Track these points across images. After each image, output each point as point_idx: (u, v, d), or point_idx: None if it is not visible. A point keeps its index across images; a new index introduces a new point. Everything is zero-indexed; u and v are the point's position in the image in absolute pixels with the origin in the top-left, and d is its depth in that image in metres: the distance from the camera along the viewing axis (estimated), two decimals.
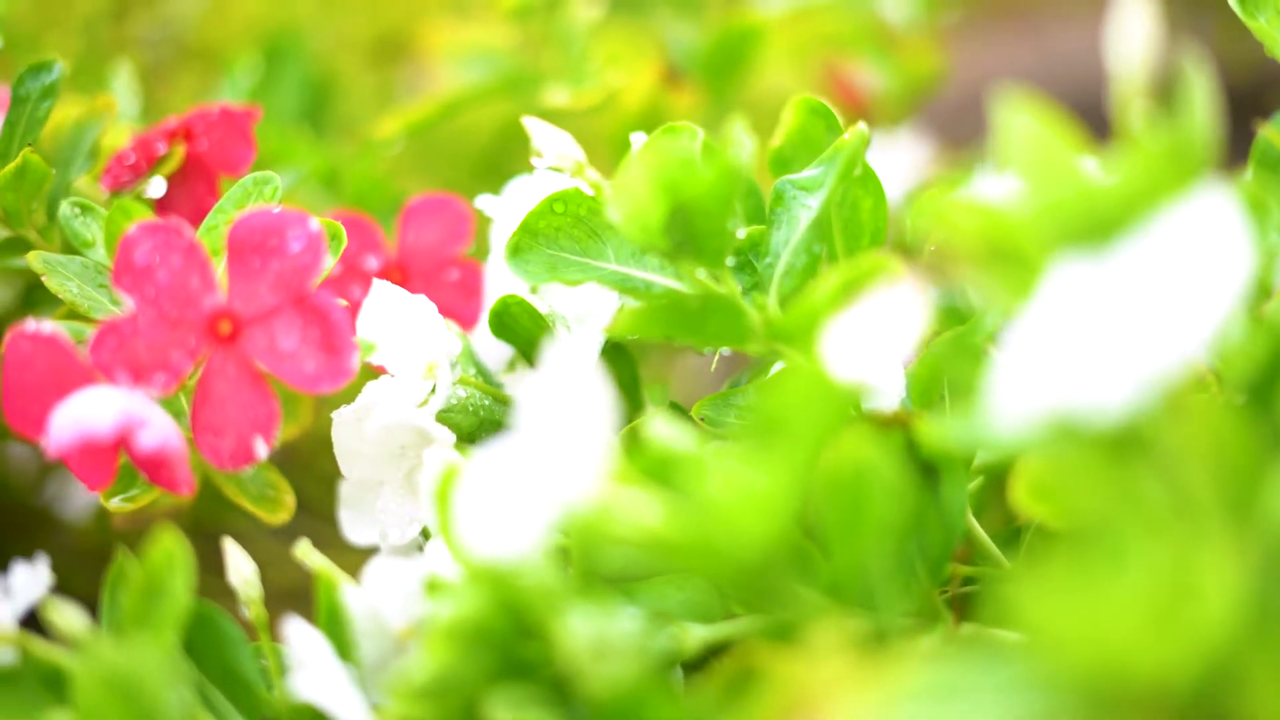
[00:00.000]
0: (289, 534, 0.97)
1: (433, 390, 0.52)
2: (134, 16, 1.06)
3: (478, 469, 0.40)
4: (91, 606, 0.96)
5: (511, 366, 0.58)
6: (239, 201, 0.53)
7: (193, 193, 0.60)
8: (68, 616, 0.43)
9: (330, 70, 0.86)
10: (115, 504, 0.56)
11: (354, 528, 0.57)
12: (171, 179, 0.60)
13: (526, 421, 0.40)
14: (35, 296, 0.65)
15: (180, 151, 0.59)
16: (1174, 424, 0.33)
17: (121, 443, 0.46)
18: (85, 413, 0.45)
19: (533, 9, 0.66)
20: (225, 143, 0.60)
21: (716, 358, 0.55)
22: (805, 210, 0.51)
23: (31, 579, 0.45)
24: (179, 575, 0.43)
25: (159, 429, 0.45)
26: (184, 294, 0.47)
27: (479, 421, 0.54)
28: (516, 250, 0.51)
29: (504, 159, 0.92)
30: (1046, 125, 0.37)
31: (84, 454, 0.46)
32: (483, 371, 0.57)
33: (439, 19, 0.82)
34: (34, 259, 0.53)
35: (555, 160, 0.50)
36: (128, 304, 0.47)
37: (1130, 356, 0.33)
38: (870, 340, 0.38)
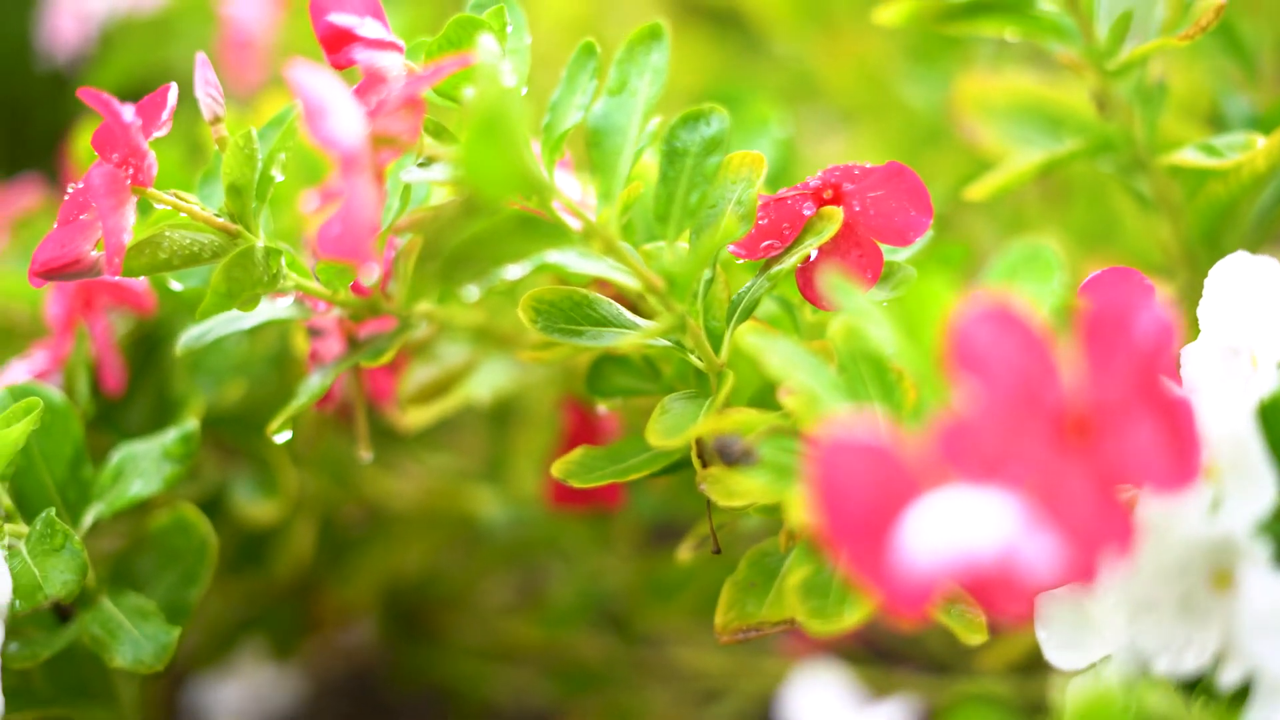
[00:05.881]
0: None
1: (1215, 502, 0.45)
2: None
3: None
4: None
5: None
6: (1006, 275, 0.46)
7: (843, 262, 0.53)
8: None
9: None
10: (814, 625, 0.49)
11: (1059, 650, 0.49)
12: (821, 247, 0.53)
13: None
14: (602, 373, 0.58)
15: (837, 215, 0.52)
16: None
17: (1001, 567, 0.38)
18: (960, 532, 0.38)
19: (1123, 74, 0.59)
20: (886, 205, 0.53)
21: None
22: None
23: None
24: None
25: (1049, 553, 0.38)
26: (1033, 387, 0.40)
27: None
28: None
29: None
30: None
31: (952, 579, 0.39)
32: None
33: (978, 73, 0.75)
34: (752, 336, 0.46)
35: None
36: (968, 397, 0.40)
37: None
38: None
